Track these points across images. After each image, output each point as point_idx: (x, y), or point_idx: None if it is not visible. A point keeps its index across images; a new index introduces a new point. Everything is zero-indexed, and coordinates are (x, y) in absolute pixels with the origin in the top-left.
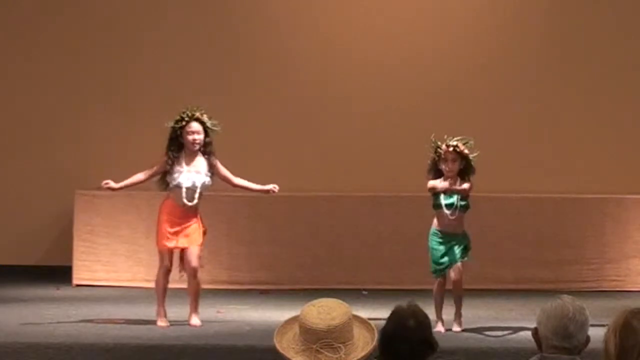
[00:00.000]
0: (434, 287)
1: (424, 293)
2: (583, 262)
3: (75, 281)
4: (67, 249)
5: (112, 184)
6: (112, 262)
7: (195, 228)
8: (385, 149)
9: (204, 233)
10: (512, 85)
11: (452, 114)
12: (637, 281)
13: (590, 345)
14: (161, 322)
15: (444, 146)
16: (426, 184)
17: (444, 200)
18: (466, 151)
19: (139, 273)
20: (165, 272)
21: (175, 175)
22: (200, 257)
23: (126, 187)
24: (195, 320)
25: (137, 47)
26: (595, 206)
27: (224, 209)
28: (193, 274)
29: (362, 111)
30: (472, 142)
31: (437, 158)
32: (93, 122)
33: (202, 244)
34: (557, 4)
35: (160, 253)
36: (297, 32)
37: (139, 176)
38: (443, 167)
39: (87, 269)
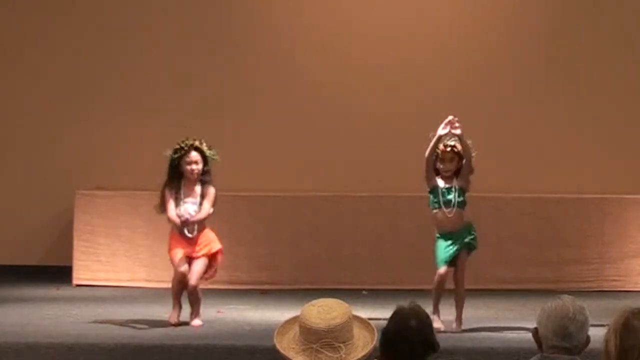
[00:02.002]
0: (435, 280)
1: (424, 293)
2: (583, 262)
3: (75, 281)
4: (67, 249)
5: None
6: (112, 262)
7: (204, 251)
8: (385, 149)
9: (218, 252)
10: (511, 86)
11: (451, 113)
12: (637, 281)
13: (590, 345)
14: (171, 320)
15: (441, 146)
16: (425, 184)
17: (442, 197)
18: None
19: (139, 273)
20: (180, 278)
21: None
22: (211, 270)
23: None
24: (196, 322)
25: (138, 48)
26: (595, 206)
27: (224, 209)
28: (192, 291)
29: (362, 111)
30: (469, 142)
31: (434, 157)
32: (93, 122)
33: (213, 264)
34: (557, 4)
35: (172, 261)
36: (298, 33)
37: (174, 208)
38: (441, 166)
39: (87, 269)
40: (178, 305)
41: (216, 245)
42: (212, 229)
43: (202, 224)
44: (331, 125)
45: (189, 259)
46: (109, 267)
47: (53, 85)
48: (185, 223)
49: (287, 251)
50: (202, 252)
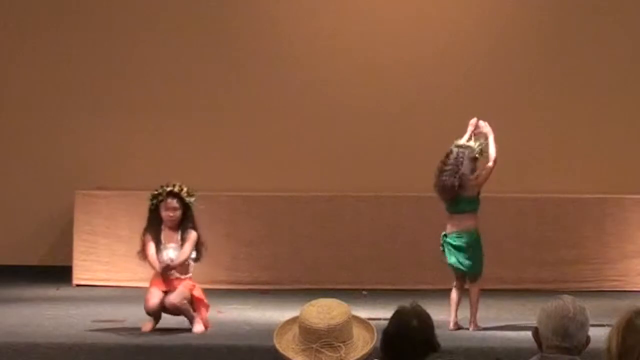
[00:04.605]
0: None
1: (424, 293)
2: (583, 262)
3: (75, 281)
4: (67, 249)
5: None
6: (112, 262)
7: (185, 286)
8: (385, 149)
9: (192, 289)
10: (512, 87)
11: (451, 114)
12: (637, 281)
13: (591, 345)
14: (144, 327)
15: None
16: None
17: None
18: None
19: (139, 273)
20: (152, 311)
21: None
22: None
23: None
24: (197, 327)
25: (137, 48)
26: (595, 206)
27: (224, 209)
28: (172, 309)
29: (363, 111)
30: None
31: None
32: (93, 122)
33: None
34: (559, 5)
35: (148, 293)
36: (298, 33)
37: (154, 259)
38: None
39: (87, 269)
40: (154, 319)
41: (198, 292)
42: (211, 230)
43: (186, 272)
44: (331, 126)
45: (166, 292)
46: (109, 267)
47: (53, 86)
48: (167, 269)
49: (287, 251)
50: (182, 285)
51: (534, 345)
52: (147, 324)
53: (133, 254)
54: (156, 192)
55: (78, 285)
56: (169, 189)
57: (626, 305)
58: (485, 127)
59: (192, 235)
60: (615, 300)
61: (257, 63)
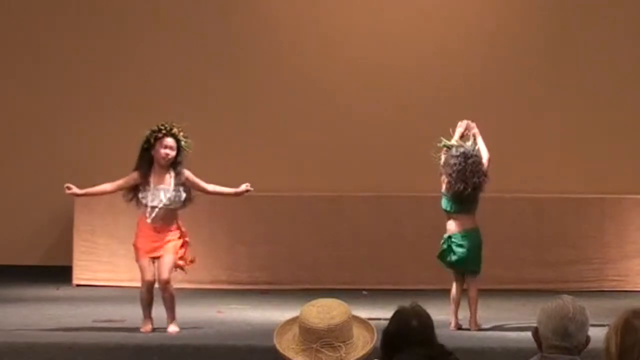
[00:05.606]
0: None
1: (424, 293)
2: (583, 262)
3: (75, 281)
4: (67, 249)
5: (75, 190)
6: (112, 262)
7: (171, 241)
8: (385, 149)
9: (184, 244)
10: (511, 86)
11: (451, 114)
12: (637, 281)
13: (590, 345)
14: (144, 328)
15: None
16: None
17: None
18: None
19: (139, 273)
20: (148, 287)
21: (143, 194)
22: (180, 267)
23: (90, 195)
24: (172, 328)
25: (137, 48)
26: (595, 206)
27: (224, 209)
28: (163, 286)
29: (363, 111)
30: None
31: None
32: (93, 122)
33: (182, 256)
34: (559, 5)
35: (140, 268)
36: (299, 34)
37: (106, 186)
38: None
39: (87, 269)
40: (149, 318)
41: (179, 242)
42: (211, 230)
43: (174, 217)
44: (332, 126)
45: (155, 259)
46: (109, 267)
47: (53, 86)
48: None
49: (287, 251)
50: (168, 248)
51: (534, 345)
52: (147, 326)
53: (133, 254)
54: (156, 129)
55: (78, 285)
56: (170, 126)
57: (626, 304)
58: (474, 127)
59: (188, 172)
60: (615, 300)
61: (256, 63)
